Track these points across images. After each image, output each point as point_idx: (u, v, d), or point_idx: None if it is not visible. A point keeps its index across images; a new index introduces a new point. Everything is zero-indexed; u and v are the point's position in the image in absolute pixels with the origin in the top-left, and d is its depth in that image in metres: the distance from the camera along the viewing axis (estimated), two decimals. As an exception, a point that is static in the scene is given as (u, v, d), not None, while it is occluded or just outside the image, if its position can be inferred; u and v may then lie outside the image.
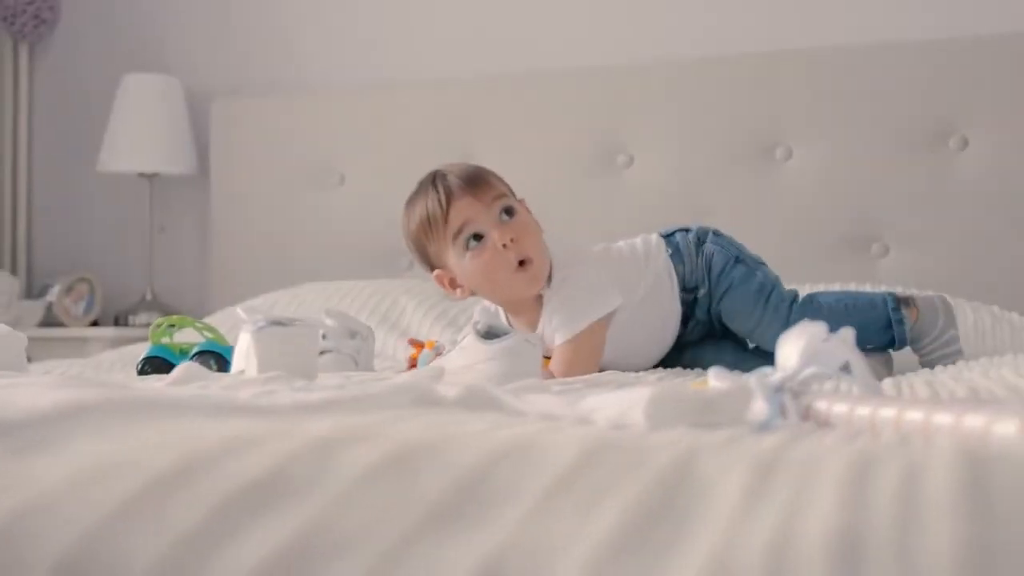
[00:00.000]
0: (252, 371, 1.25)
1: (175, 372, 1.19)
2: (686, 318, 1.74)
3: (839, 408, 0.83)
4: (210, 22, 3.07)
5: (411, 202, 1.65)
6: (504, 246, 1.56)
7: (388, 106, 2.82)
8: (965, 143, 2.33)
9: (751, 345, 1.77)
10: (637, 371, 1.64)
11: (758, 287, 1.71)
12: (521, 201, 1.69)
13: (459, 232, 1.58)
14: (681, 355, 1.77)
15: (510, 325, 1.74)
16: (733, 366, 1.65)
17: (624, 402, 0.80)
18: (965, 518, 0.32)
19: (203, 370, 1.19)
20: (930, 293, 1.81)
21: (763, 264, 1.77)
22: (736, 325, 1.72)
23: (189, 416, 0.52)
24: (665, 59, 2.59)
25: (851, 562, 0.30)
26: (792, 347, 0.91)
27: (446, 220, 1.58)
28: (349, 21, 2.95)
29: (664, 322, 1.73)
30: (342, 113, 2.84)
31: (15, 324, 2.77)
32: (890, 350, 1.72)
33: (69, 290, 2.92)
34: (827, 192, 2.43)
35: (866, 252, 2.40)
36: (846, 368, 0.89)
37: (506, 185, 1.67)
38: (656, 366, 1.75)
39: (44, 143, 3.22)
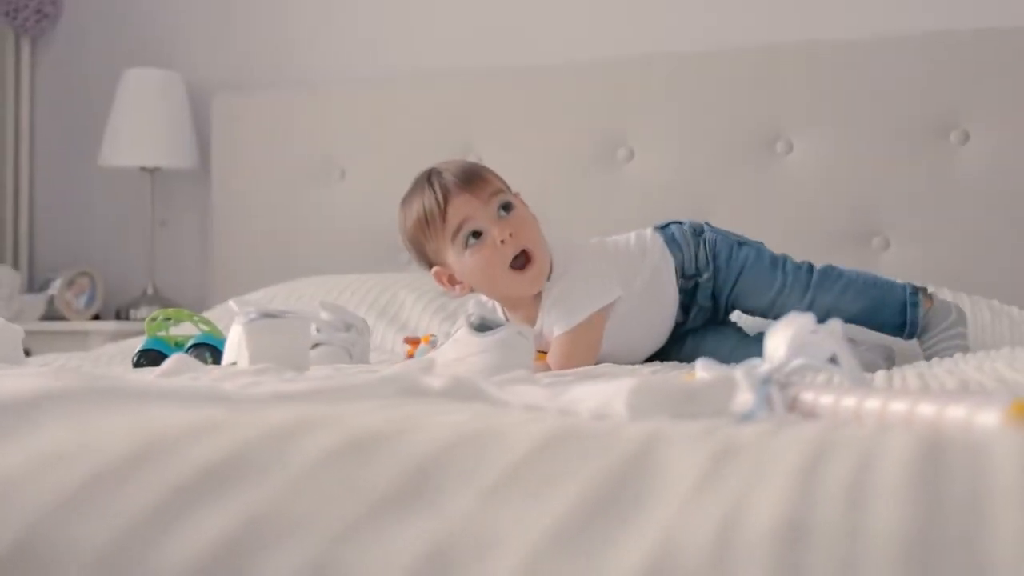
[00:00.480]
0: (244, 363, 1.25)
1: (166, 363, 1.19)
2: (687, 306, 1.74)
3: (825, 399, 0.83)
4: (211, 17, 3.07)
5: (407, 201, 1.65)
6: (502, 242, 1.56)
7: (389, 101, 2.81)
8: (966, 137, 2.32)
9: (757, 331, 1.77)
10: (633, 363, 1.64)
11: (771, 260, 1.72)
12: (516, 195, 1.69)
13: (458, 230, 1.57)
14: (682, 344, 1.77)
15: (507, 320, 1.74)
16: (735, 350, 1.66)
17: (607, 393, 0.80)
18: (913, 503, 0.31)
19: (194, 362, 1.19)
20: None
21: (763, 244, 1.78)
22: (754, 303, 1.72)
23: (157, 404, 0.52)
24: (666, 53, 2.59)
25: (796, 547, 0.30)
26: (780, 338, 0.91)
27: (444, 218, 1.57)
28: (350, 17, 2.94)
29: (662, 313, 1.73)
30: (343, 108, 2.84)
31: (17, 318, 2.78)
32: (900, 339, 1.72)
33: (71, 284, 2.92)
34: (828, 186, 2.42)
35: (867, 246, 2.39)
36: (835, 360, 0.88)
37: (501, 180, 1.66)
38: (655, 356, 1.75)
39: (46, 137, 3.22)
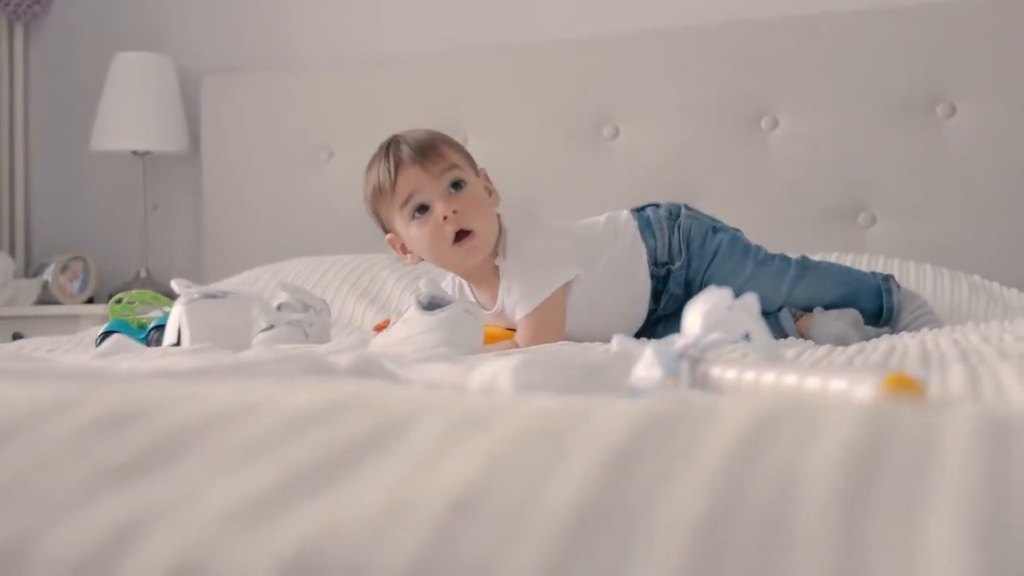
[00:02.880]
0: (185, 343, 1.26)
1: (104, 344, 1.19)
2: (658, 293, 1.74)
3: (730, 374, 0.82)
4: (202, 1, 3.07)
5: (368, 168, 1.68)
6: (445, 218, 1.57)
7: (377, 83, 2.81)
8: (952, 111, 2.28)
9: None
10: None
11: (744, 248, 1.74)
12: (482, 171, 1.69)
13: (406, 202, 1.60)
14: (654, 331, 1.76)
15: (474, 297, 1.74)
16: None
17: (496, 369, 0.79)
18: (599, 474, 0.30)
19: (131, 343, 1.20)
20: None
21: (739, 231, 1.79)
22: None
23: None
24: (652, 30, 2.57)
25: (464, 518, 0.29)
26: (696, 313, 0.90)
27: (394, 189, 1.60)
28: (339, -2, 2.94)
29: (632, 298, 1.73)
30: (332, 90, 2.84)
31: (11, 303, 2.80)
32: (875, 327, 1.73)
33: (64, 268, 2.94)
34: (814, 162, 2.40)
35: (853, 222, 2.36)
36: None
37: (462, 154, 1.67)
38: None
39: (40, 123, 3.24)
